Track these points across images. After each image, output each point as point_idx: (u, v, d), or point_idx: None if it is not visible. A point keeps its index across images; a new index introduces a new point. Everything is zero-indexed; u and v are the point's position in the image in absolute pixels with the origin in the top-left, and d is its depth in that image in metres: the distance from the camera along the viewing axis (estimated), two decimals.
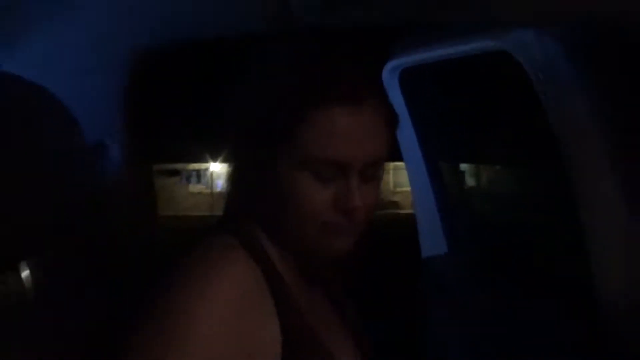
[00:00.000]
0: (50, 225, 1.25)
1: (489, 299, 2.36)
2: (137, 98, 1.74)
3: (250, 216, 1.28)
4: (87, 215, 1.52)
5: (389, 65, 2.48)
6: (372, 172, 1.21)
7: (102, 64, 1.66)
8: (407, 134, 2.73)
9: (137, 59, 1.67)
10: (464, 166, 2.69)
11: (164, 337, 1.04)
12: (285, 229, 1.24)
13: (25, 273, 1.21)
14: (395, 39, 2.43)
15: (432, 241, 2.74)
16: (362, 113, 1.15)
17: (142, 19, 1.58)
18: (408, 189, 2.94)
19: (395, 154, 2.78)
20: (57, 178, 1.27)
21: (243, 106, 1.24)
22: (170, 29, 1.62)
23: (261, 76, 1.23)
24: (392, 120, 1.24)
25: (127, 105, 1.71)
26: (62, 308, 1.29)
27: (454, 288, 2.50)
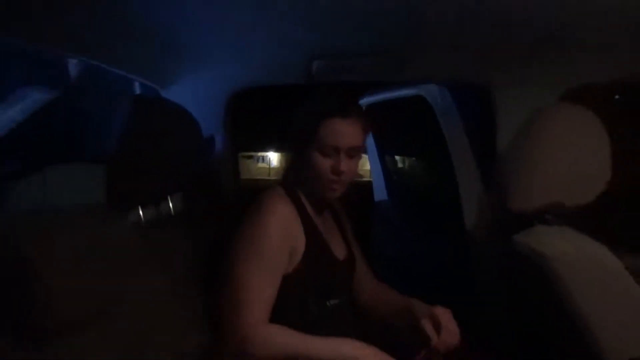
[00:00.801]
0: (185, 180, 1.25)
1: (407, 223, 2.35)
2: (232, 115, 1.71)
3: (293, 179, 1.30)
4: (204, 176, 1.52)
5: (360, 102, 2.44)
6: (353, 153, 1.23)
7: (213, 96, 1.63)
8: (369, 140, 2.69)
9: (232, 92, 1.65)
10: (397, 157, 2.72)
11: (247, 238, 1.14)
12: (309, 185, 1.26)
13: (170, 204, 1.20)
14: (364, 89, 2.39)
15: (380, 193, 2.72)
16: (348, 122, 1.19)
17: (233, 70, 1.58)
18: (369, 168, 2.91)
19: (363, 150, 2.76)
20: (189, 155, 1.26)
21: (295, 123, 1.28)
22: (248, 77, 1.61)
23: (299, 111, 1.27)
24: (366, 127, 1.24)
25: (227, 118, 1.68)
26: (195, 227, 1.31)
27: (390, 217, 2.49)
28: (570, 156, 1.09)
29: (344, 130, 1.20)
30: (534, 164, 1.10)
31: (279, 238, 1.15)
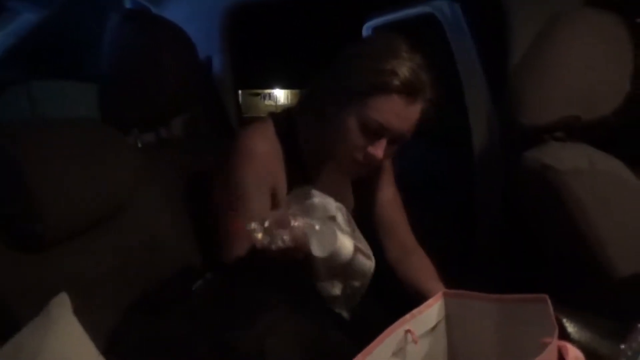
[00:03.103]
0: (183, 102, 1.22)
1: (410, 147, 2.28)
2: (230, 34, 1.60)
3: (303, 121, 1.06)
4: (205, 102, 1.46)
5: (366, 25, 2.29)
6: (397, 140, 0.98)
7: (209, 14, 1.53)
8: None
9: (232, 9, 1.52)
10: None
11: (224, 182, 1.00)
12: (326, 146, 1.02)
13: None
14: (371, 8, 2.23)
15: None
16: (410, 105, 0.94)
17: None
18: None
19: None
20: (184, 76, 1.19)
21: (343, 71, 0.98)
22: None
23: (358, 58, 0.97)
24: (425, 114, 0.98)
25: (224, 37, 1.58)
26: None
27: None
28: (588, 64, 1.01)
29: (404, 113, 0.94)
30: (549, 74, 1.02)
31: (255, 183, 0.97)
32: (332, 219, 0.74)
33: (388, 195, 1.20)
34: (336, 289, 0.75)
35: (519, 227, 1.36)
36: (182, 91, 1.20)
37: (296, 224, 0.68)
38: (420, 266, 1.11)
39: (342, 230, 0.72)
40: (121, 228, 0.87)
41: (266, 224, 0.67)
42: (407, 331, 0.64)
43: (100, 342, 0.69)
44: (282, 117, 1.08)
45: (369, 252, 0.76)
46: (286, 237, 0.67)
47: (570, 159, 0.98)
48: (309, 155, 1.06)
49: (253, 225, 0.67)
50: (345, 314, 0.81)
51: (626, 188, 0.95)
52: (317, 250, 0.69)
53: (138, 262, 0.87)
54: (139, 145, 1.22)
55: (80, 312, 0.68)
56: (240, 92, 2.38)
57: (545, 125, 1.04)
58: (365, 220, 1.14)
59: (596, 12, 1.04)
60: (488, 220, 1.55)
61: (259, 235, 0.67)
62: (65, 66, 1.29)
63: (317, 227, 0.70)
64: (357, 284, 0.76)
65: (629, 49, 1.03)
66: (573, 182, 0.94)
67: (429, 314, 0.70)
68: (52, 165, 0.77)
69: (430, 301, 0.71)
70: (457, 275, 1.11)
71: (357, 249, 0.72)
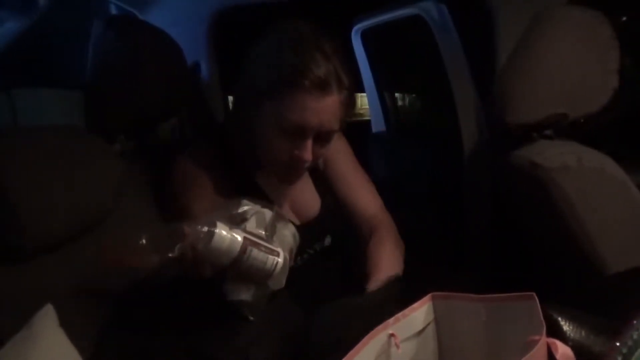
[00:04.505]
0: (170, 108, 1.21)
1: (400, 149, 2.28)
2: (216, 38, 1.60)
3: (235, 134, 1.01)
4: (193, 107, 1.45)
5: (355, 28, 2.29)
6: (324, 138, 0.92)
7: (195, 19, 1.53)
8: (367, 74, 2.54)
9: (218, 14, 1.52)
10: (397, 94, 2.68)
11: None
12: (256, 152, 0.97)
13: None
14: (358, 10, 2.23)
15: (378, 126, 2.63)
16: (325, 100, 0.86)
17: None
18: (367, 107, 2.80)
19: (360, 88, 2.59)
20: (172, 81, 1.18)
21: (251, 72, 0.92)
22: None
23: (261, 56, 0.91)
24: (348, 104, 0.91)
25: (210, 41, 1.58)
26: None
27: (386, 144, 2.43)
28: (573, 62, 1.01)
29: (320, 109, 0.86)
30: (534, 72, 1.02)
31: (200, 209, 0.90)
32: (242, 221, 0.73)
33: (347, 179, 1.12)
34: (244, 293, 0.72)
35: (510, 226, 1.36)
36: (168, 97, 1.19)
37: (189, 231, 0.68)
38: (370, 250, 1.01)
39: (241, 229, 0.71)
40: (103, 237, 0.86)
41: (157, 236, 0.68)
42: (391, 335, 0.63)
43: (81, 354, 0.68)
44: (215, 136, 1.04)
45: (278, 249, 0.73)
46: (181, 246, 0.67)
47: (558, 157, 0.97)
48: (251, 166, 1.01)
49: (143, 240, 0.66)
50: (252, 318, 0.77)
51: (614, 184, 0.95)
52: (200, 245, 0.69)
53: (120, 272, 0.86)
54: (125, 151, 1.21)
55: (62, 324, 0.67)
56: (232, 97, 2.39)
57: (532, 124, 1.04)
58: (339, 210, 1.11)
59: (580, 10, 1.04)
60: (478, 220, 1.55)
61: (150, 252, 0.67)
62: (48, 74, 1.28)
63: (199, 227, 0.69)
64: (269, 284, 0.73)
65: (614, 46, 1.03)
66: (561, 179, 0.94)
67: (415, 317, 0.69)
68: (33, 174, 0.76)
69: (415, 305, 0.70)
70: (447, 275, 1.10)
71: (252, 244, 0.70)
